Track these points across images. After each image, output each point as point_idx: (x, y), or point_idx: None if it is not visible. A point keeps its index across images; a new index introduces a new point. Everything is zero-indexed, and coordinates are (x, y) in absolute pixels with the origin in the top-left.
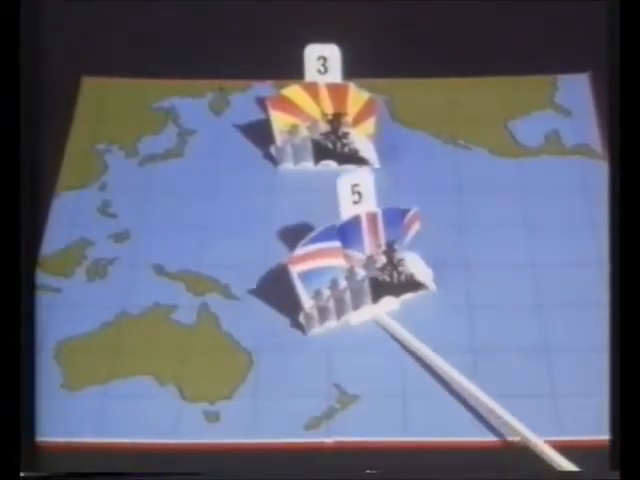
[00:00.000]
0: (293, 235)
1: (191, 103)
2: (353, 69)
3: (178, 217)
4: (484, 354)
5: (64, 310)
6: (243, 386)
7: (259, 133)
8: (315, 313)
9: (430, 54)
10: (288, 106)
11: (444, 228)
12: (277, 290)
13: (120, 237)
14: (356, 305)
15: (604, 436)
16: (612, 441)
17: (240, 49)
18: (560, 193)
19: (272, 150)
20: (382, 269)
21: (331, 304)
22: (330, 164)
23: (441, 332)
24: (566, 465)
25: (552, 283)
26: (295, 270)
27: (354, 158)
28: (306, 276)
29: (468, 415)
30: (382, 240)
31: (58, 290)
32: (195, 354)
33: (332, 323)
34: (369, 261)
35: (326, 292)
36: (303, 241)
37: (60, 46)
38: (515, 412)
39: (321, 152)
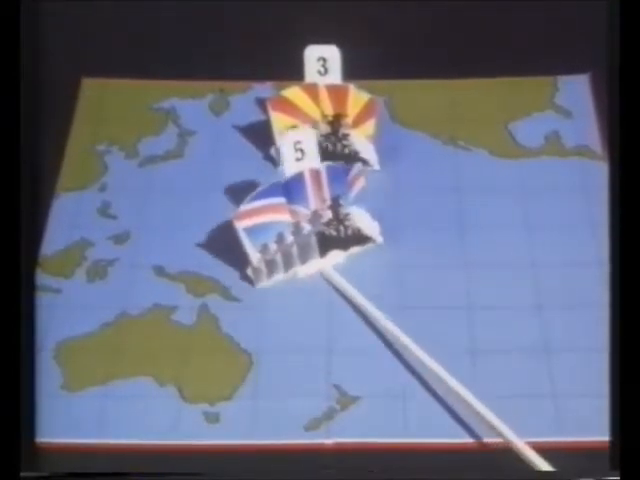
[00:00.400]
0: (239, 193)
1: (191, 104)
2: (353, 70)
3: (178, 217)
4: (484, 355)
5: (64, 311)
6: (243, 387)
7: (259, 134)
8: (263, 267)
9: (430, 55)
10: (288, 107)
11: (444, 228)
12: (225, 245)
13: (120, 238)
14: (304, 259)
15: (604, 437)
16: (612, 442)
17: (240, 50)
18: (560, 194)
19: (272, 151)
20: (328, 224)
21: (278, 258)
22: None
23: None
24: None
25: (552, 283)
26: (240, 225)
27: (354, 159)
28: (252, 231)
29: (468, 416)
30: (327, 195)
31: (58, 291)
32: (195, 355)
33: (280, 276)
34: (315, 216)
35: (273, 246)
36: (248, 198)
37: (60, 46)
38: (515, 412)
39: (321, 153)
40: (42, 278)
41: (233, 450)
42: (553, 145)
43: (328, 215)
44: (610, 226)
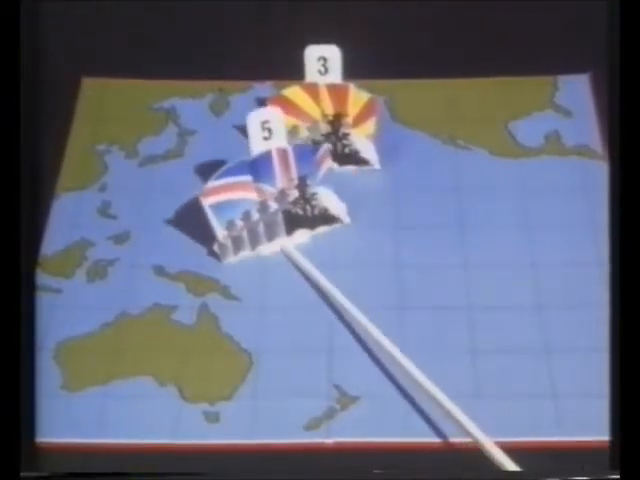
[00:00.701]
0: (207, 170)
1: (191, 104)
2: (353, 70)
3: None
4: (484, 355)
5: (64, 311)
6: (243, 387)
7: None
8: (229, 243)
9: (430, 54)
10: (288, 107)
11: (444, 228)
12: (192, 221)
13: (120, 238)
14: (270, 237)
15: (604, 436)
16: (612, 442)
17: (240, 49)
18: (560, 193)
19: None
20: (295, 203)
21: (244, 235)
22: (330, 165)
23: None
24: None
25: (552, 283)
26: (207, 202)
27: (354, 159)
28: (218, 208)
29: (467, 416)
30: (294, 175)
31: (58, 291)
32: (195, 355)
33: (246, 253)
34: (281, 195)
35: (239, 223)
36: (214, 175)
37: (60, 46)
38: (515, 412)
39: None
40: (42, 278)
41: (233, 450)
42: (553, 145)
43: (295, 194)
44: (610, 226)
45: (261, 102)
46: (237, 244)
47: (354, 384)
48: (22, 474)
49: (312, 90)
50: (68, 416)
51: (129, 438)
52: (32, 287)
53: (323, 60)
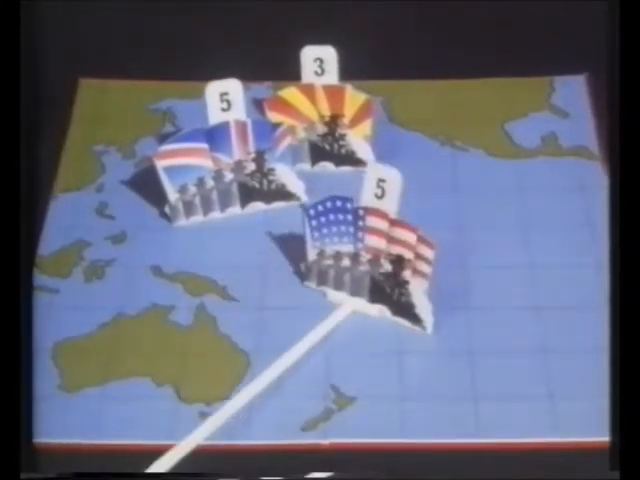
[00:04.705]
0: (163, 137)
1: (188, 104)
2: (350, 71)
3: None
4: (483, 356)
5: (61, 311)
6: (240, 387)
7: None
8: (180, 206)
9: (426, 55)
10: (285, 107)
11: (441, 229)
12: (145, 182)
13: (117, 238)
14: (223, 206)
15: (604, 437)
16: (612, 442)
17: (237, 50)
18: (557, 194)
19: None
20: (251, 175)
21: (197, 200)
22: (327, 166)
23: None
24: None
25: (550, 284)
26: (160, 164)
27: (351, 160)
28: (171, 171)
29: (465, 416)
30: (251, 148)
31: (56, 291)
32: (192, 355)
33: (198, 218)
34: (237, 166)
35: (192, 188)
36: (169, 139)
37: (58, 47)
38: (514, 413)
39: (318, 154)
40: (40, 278)
41: (230, 450)
42: (550, 145)
43: (251, 167)
44: (609, 227)
45: (258, 103)
46: (189, 208)
47: (351, 384)
48: (22, 475)
49: (309, 91)
50: (65, 417)
51: (126, 440)
52: (30, 288)
53: (319, 61)
